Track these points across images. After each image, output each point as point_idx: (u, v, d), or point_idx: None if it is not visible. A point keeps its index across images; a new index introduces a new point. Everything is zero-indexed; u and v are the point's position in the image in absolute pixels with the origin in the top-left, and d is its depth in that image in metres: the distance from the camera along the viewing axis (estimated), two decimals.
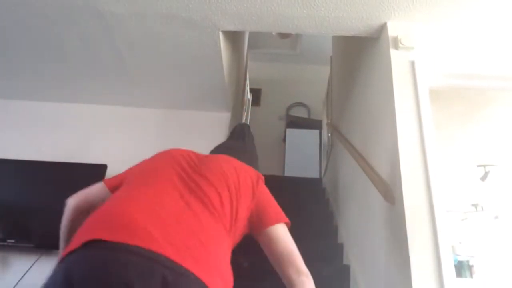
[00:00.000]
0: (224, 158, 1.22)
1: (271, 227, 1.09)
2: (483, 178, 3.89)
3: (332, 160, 3.95)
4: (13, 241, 2.43)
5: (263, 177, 1.23)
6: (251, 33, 4.63)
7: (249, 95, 5.55)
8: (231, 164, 1.18)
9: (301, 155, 5.37)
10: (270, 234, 1.08)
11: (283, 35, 4.74)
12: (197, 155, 1.23)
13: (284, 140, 5.61)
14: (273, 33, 4.78)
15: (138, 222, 0.85)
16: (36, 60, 2.58)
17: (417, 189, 1.55)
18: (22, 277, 2.38)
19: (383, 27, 2.00)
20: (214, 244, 0.91)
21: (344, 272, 2.46)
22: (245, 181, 1.13)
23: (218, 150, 1.40)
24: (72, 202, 1.21)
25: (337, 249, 2.82)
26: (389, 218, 1.70)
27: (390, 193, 1.66)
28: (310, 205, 3.77)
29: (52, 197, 2.58)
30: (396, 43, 1.87)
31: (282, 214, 1.15)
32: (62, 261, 0.82)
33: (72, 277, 0.76)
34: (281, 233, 1.09)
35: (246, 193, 1.10)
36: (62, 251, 1.00)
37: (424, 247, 1.44)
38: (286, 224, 1.14)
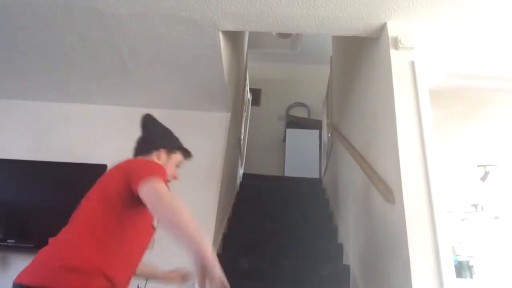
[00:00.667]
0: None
1: (138, 187, 1.20)
2: (483, 178, 3.89)
3: (332, 160, 3.95)
4: (13, 241, 2.43)
5: (137, 159, 1.51)
6: (251, 33, 4.63)
7: (249, 95, 5.55)
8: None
9: (301, 155, 5.38)
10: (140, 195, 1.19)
11: (283, 35, 4.75)
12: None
13: (284, 140, 5.61)
14: (273, 33, 4.79)
15: None
16: (36, 60, 2.58)
17: (417, 189, 1.55)
18: None
19: (383, 27, 2.00)
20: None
21: (344, 272, 2.46)
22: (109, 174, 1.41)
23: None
24: None
25: (337, 249, 2.82)
26: (389, 218, 1.70)
27: (390, 193, 1.66)
28: (310, 205, 3.78)
29: (52, 197, 2.59)
30: (396, 43, 1.87)
31: (148, 172, 1.24)
32: None
33: None
34: (148, 190, 1.18)
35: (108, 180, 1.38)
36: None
37: (424, 247, 1.44)
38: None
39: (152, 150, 1.56)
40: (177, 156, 1.62)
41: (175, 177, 1.61)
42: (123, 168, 1.37)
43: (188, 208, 1.14)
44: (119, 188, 1.29)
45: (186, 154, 1.66)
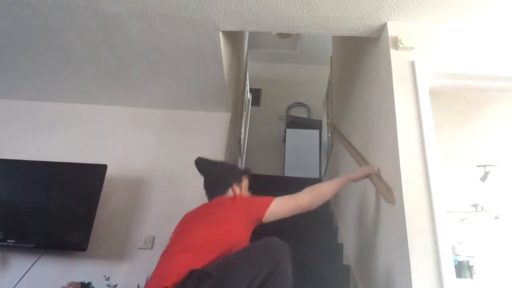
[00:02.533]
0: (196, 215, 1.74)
1: (264, 217, 1.59)
2: (483, 178, 3.89)
3: (332, 160, 3.94)
4: (13, 241, 2.43)
5: (237, 196, 1.73)
6: (251, 33, 4.63)
7: (249, 95, 5.55)
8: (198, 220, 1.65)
9: (301, 155, 5.37)
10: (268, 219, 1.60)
11: (283, 35, 4.74)
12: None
13: (284, 140, 5.61)
14: (273, 33, 4.79)
15: None
16: (36, 60, 2.58)
17: (417, 189, 1.55)
18: (22, 277, 2.38)
19: (383, 27, 2.00)
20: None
21: (344, 272, 2.46)
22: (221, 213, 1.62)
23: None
24: None
25: (337, 249, 2.82)
26: (389, 218, 1.70)
27: (390, 193, 1.66)
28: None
29: (52, 197, 2.59)
30: (396, 43, 1.87)
31: (262, 204, 1.61)
32: None
33: None
34: (273, 214, 1.60)
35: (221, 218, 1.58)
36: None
37: (424, 247, 1.44)
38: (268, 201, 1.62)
39: (227, 189, 1.79)
40: (245, 182, 1.88)
41: None
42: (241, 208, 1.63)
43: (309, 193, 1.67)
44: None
45: (249, 174, 1.92)
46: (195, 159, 1.93)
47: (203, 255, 1.39)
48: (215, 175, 1.86)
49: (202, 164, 1.93)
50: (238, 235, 1.52)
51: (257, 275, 1.25)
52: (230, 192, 1.79)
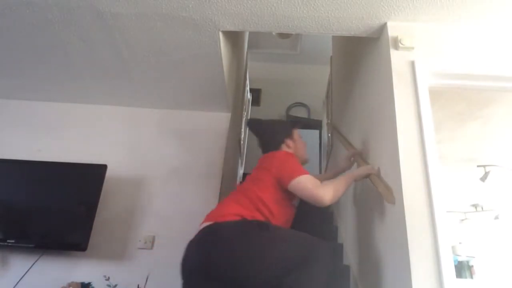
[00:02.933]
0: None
1: (288, 185, 1.66)
2: (483, 178, 3.89)
3: (332, 160, 3.94)
4: (13, 241, 2.43)
5: (278, 154, 1.82)
6: (251, 33, 4.63)
7: (249, 95, 5.55)
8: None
9: None
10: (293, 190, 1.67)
11: (283, 35, 4.74)
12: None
13: None
14: (273, 33, 4.78)
15: None
16: (36, 60, 2.58)
17: (417, 189, 1.55)
18: (22, 277, 2.38)
19: (383, 27, 2.00)
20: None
21: (344, 272, 2.46)
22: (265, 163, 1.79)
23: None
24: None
25: (337, 249, 2.82)
26: (389, 218, 1.70)
27: (390, 193, 1.66)
28: (310, 206, 3.77)
29: (52, 197, 2.59)
30: (396, 43, 1.87)
31: (291, 173, 1.67)
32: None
33: None
34: (294, 186, 1.65)
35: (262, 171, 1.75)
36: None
37: (424, 247, 1.44)
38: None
39: (280, 145, 1.92)
40: (297, 134, 2.02)
41: (305, 154, 2.01)
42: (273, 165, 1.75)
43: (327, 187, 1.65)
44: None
45: (299, 124, 2.09)
46: (247, 121, 2.07)
47: (247, 207, 1.61)
48: (267, 133, 1.98)
49: (254, 125, 2.09)
50: (268, 194, 1.64)
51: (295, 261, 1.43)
52: (283, 147, 1.91)
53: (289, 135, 1.97)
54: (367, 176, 1.85)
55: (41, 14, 2.09)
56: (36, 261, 2.44)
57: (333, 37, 4.45)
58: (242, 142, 4.63)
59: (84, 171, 2.65)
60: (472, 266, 5.31)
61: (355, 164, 2.24)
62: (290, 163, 1.74)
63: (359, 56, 2.55)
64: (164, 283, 2.48)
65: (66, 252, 2.52)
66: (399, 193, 1.56)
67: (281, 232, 1.59)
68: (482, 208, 5.16)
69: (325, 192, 1.61)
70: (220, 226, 1.54)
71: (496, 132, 3.26)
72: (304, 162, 1.96)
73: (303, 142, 2.03)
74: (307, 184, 1.63)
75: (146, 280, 2.39)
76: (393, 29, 1.93)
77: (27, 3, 2.01)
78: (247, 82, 5.02)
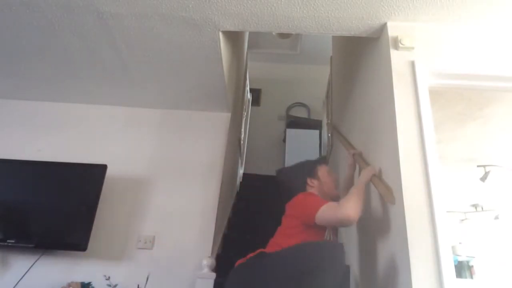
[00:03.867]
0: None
1: (314, 222, 1.64)
2: (483, 178, 3.89)
3: (332, 160, 3.94)
4: (13, 241, 2.43)
5: (300, 195, 1.82)
6: (251, 33, 4.63)
7: (249, 95, 5.55)
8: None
9: (301, 155, 5.35)
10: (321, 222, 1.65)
11: (283, 35, 4.74)
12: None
13: (284, 140, 5.61)
14: (273, 33, 4.78)
15: None
16: (36, 60, 2.58)
17: (417, 189, 1.54)
18: (22, 277, 2.38)
19: (383, 27, 2.00)
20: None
21: (345, 272, 2.45)
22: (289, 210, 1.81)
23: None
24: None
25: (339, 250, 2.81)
26: (389, 218, 1.70)
27: (391, 194, 1.66)
28: None
29: (52, 197, 2.59)
30: (396, 43, 1.87)
31: (312, 210, 1.65)
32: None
33: None
34: (320, 219, 1.63)
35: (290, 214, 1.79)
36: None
37: (424, 247, 1.43)
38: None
39: (304, 186, 1.90)
40: (322, 171, 1.96)
41: (334, 189, 1.97)
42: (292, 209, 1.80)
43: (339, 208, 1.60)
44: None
45: (323, 160, 2.11)
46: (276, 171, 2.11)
47: (277, 243, 1.69)
48: (289, 179, 1.99)
49: (278, 177, 2.07)
50: (295, 231, 1.68)
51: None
52: (308, 188, 1.89)
53: (312, 174, 1.93)
54: (371, 178, 1.82)
55: (41, 14, 2.09)
56: (36, 261, 2.44)
57: (333, 37, 4.45)
58: (242, 142, 4.63)
59: (84, 171, 2.65)
60: (472, 266, 5.30)
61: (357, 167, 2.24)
62: (308, 201, 1.73)
63: (359, 56, 2.55)
64: (164, 283, 2.48)
65: (66, 252, 2.52)
66: (399, 193, 1.56)
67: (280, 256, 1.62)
68: (482, 208, 5.15)
69: (346, 209, 1.56)
70: None
71: (496, 132, 3.25)
72: (334, 198, 1.90)
73: (333, 176, 1.99)
74: (329, 212, 1.61)
75: (146, 280, 2.39)
76: (393, 29, 1.93)
77: (27, 3, 2.01)
78: (247, 82, 5.02)
